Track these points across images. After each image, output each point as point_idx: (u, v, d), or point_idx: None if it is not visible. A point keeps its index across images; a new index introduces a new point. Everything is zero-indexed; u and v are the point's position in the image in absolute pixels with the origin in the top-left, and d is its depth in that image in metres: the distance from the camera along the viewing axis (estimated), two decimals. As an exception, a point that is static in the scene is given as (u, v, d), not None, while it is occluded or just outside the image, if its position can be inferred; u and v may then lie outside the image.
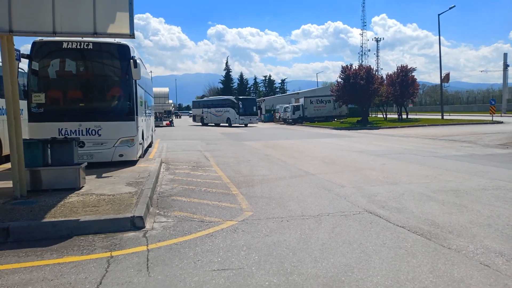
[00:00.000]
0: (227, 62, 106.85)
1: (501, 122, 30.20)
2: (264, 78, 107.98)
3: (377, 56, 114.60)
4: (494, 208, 5.84)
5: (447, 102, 69.38)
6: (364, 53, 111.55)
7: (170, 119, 43.65)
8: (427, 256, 4.07)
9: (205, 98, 51.54)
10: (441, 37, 37.85)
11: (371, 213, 5.77)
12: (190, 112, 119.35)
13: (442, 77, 40.11)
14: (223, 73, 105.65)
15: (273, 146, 16.64)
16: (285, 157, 12.47)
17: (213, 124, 43.17)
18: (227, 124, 41.01)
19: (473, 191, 7.03)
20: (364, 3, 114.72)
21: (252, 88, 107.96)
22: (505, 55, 52.47)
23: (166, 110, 43.61)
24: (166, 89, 44.19)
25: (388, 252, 4.19)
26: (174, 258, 4.15)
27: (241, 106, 39.20)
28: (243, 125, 39.98)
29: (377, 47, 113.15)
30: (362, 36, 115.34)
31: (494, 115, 34.27)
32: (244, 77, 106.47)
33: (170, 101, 49.45)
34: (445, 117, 37.74)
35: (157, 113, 37.74)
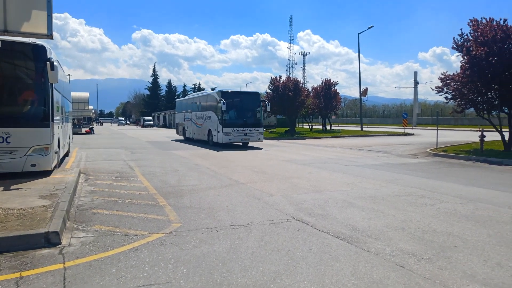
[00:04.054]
0: (154, 68, 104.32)
1: (412, 134, 33.31)
2: (193, 86, 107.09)
3: (304, 69, 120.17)
4: (407, 213, 6.37)
5: (366, 115, 74.99)
6: (292, 66, 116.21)
7: (91, 126, 41.11)
8: (349, 259, 4.29)
9: (188, 96, 31.26)
10: (361, 55, 40.93)
11: (298, 220, 5.94)
12: (120, 119, 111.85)
13: (361, 92, 43.30)
14: (150, 79, 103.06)
15: (202, 155, 16.46)
16: (215, 167, 12.39)
17: (203, 141, 23.74)
18: (207, 141, 22.55)
19: (389, 197, 7.61)
20: (291, 18, 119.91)
21: (181, 96, 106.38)
22: (416, 73, 58.44)
23: (86, 116, 41.03)
24: (86, 94, 41.43)
25: (314, 258, 4.34)
26: (94, 275, 3.85)
27: (224, 108, 19.55)
28: (241, 144, 21.67)
29: (303, 61, 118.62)
30: (290, 50, 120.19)
31: (406, 127, 37.80)
32: (173, 84, 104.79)
33: (91, 107, 46.64)
34: (364, 129, 40.63)
35: (76, 120, 35.26)
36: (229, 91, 22.12)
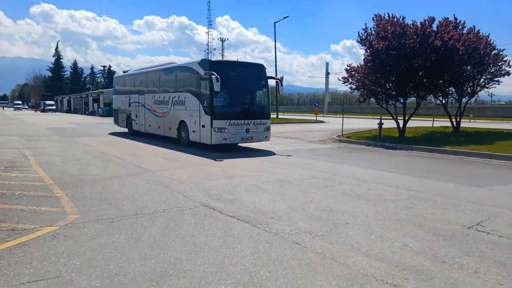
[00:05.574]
0: (57, 47, 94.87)
1: (323, 122, 35.39)
2: (103, 68, 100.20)
3: (223, 55, 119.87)
4: (309, 195, 6.78)
5: (282, 103, 77.68)
6: (210, 51, 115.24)
7: None
8: (251, 241, 4.43)
9: (138, 70, 20.02)
10: (278, 43, 42.13)
11: (206, 206, 5.95)
12: (16, 102, 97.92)
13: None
14: (52, 59, 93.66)
15: (110, 142, 15.55)
16: (124, 155, 11.80)
17: (165, 137, 16.33)
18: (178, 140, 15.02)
19: (295, 181, 8.01)
20: (209, 1, 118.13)
21: (88, 79, 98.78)
22: (327, 64, 62.00)
23: None
24: None
25: (217, 241, 4.39)
26: (-32, 277, 3.42)
27: (216, 87, 11.83)
28: (236, 145, 14.47)
29: (222, 46, 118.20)
30: (208, 35, 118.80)
31: (317, 115, 39.98)
32: (79, 65, 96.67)
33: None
34: (280, 116, 42.06)
35: None
36: (220, 59, 14.25)
